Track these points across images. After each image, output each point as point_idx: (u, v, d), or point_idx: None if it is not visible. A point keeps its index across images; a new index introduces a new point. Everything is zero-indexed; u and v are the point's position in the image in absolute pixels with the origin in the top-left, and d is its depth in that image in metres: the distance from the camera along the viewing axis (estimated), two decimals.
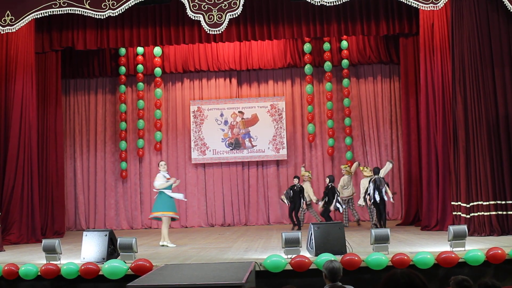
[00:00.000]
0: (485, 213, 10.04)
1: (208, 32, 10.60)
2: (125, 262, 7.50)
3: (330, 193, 12.55)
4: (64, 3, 10.52)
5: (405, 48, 13.38)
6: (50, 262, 7.77)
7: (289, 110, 15.36)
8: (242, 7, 10.38)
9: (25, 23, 10.74)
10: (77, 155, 15.54)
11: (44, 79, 13.30)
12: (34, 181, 12.10)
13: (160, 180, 10.34)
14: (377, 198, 11.56)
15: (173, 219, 10.55)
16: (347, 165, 13.82)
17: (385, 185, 11.72)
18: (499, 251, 7.39)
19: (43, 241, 8.11)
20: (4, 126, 11.79)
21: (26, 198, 11.83)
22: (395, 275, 2.67)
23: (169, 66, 15.34)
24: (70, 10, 10.59)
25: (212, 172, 15.30)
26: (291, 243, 7.69)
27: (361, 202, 12.25)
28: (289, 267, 7.31)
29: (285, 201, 12.92)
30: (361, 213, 14.44)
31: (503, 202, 10.06)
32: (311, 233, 7.98)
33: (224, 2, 10.38)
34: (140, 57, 15.24)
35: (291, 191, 12.80)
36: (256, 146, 15.19)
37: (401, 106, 14.15)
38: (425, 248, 8.31)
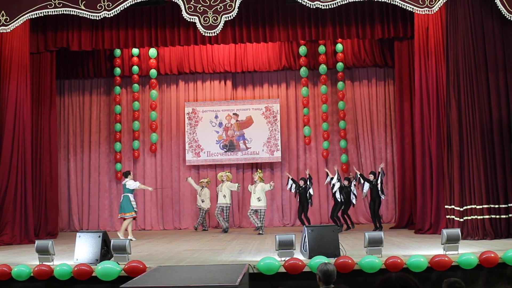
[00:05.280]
0: (479, 217, 10.08)
1: (203, 34, 10.61)
2: (119, 264, 7.49)
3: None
4: (59, 3, 10.51)
5: (399, 51, 13.42)
6: (43, 263, 7.75)
7: (283, 112, 15.36)
8: (237, 9, 10.39)
9: (20, 23, 10.73)
10: (71, 156, 15.49)
11: (39, 80, 13.26)
12: (28, 181, 12.06)
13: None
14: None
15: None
16: (228, 171, 14.38)
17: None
18: (492, 255, 7.43)
19: (36, 242, 8.09)
20: None
21: (19, 199, 11.78)
22: (390, 279, 2.68)
23: (164, 67, 15.32)
24: (65, 10, 10.59)
25: (206, 174, 15.26)
26: (285, 246, 7.70)
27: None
28: (282, 270, 7.32)
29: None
30: (357, 215, 14.42)
31: (496, 206, 10.10)
32: (305, 236, 7.99)
33: (220, 4, 10.38)
34: (135, 59, 15.21)
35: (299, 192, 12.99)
36: (250, 148, 15.18)
37: (395, 109, 14.18)
38: (418, 251, 8.34)
